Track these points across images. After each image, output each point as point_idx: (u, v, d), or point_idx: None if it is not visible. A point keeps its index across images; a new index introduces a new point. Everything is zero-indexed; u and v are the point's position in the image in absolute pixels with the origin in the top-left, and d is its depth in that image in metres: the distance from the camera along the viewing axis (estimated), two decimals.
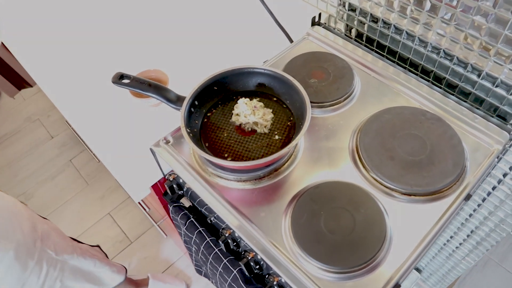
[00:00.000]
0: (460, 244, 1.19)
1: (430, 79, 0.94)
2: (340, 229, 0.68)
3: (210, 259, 0.83)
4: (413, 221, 0.71)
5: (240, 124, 0.83)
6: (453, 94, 0.90)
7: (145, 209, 1.39)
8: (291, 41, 1.08)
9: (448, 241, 1.22)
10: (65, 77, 1.11)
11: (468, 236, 1.14)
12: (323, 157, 0.80)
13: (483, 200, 1.01)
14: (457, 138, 0.79)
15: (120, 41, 1.19)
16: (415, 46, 0.91)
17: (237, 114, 0.84)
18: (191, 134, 0.78)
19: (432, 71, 0.92)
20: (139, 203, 1.25)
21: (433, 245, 1.28)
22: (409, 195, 0.74)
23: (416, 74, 0.95)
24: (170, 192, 0.91)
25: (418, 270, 1.43)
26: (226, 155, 0.79)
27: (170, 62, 1.11)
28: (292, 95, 0.83)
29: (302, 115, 0.78)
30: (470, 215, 1.08)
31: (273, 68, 0.85)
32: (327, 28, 1.06)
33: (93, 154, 1.88)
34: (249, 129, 0.82)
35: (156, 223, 1.56)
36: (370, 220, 0.69)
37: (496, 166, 0.91)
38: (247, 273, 0.77)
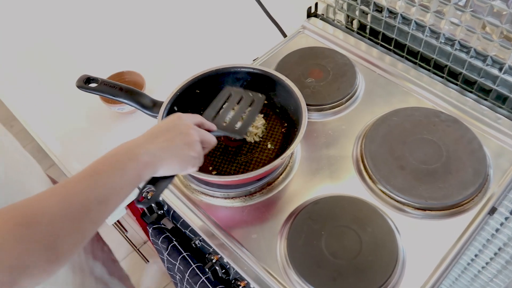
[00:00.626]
0: (487, 263, 1.18)
1: (444, 75, 0.93)
2: (344, 251, 0.67)
3: None
4: (430, 240, 0.70)
5: None
6: (471, 92, 0.90)
7: (122, 232, 1.37)
8: (284, 35, 1.08)
9: (472, 260, 1.20)
10: (25, 83, 1.10)
11: (495, 254, 1.13)
12: (323, 168, 0.79)
13: (511, 212, 1.00)
14: (477, 142, 0.78)
15: (89, 40, 1.18)
16: (426, 37, 0.90)
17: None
18: None
19: (446, 66, 0.91)
20: (115, 224, 1.23)
21: (455, 265, 1.26)
22: (424, 210, 0.73)
23: (428, 70, 0.95)
24: (148, 212, 0.89)
25: None
26: (210, 168, 0.78)
27: (147, 63, 1.10)
28: (286, 97, 0.82)
29: (297, 119, 0.77)
30: (497, 230, 1.07)
31: (263, 67, 0.84)
32: (325, 20, 1.05)
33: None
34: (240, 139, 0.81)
35: (136, 247, 1.54)
36: (379, 241, 0.68)
37: None
38: None
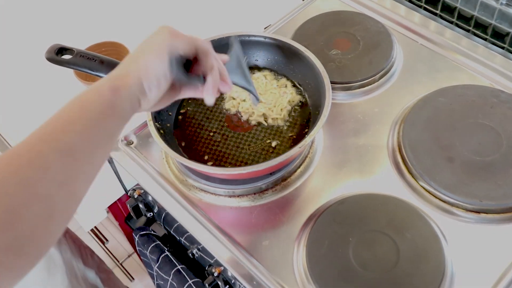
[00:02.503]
0: None
1: (505, 45, 0.93)
2: (377, 262, 0.67)
3: None
4: (485, 250, 0.70)
5: (235, 114, 0.83)
6: None
7: (102, 242, 1.39)
8: None
9: None
10: None
11: None
12: (350, 160, 0.79)
13: None
14: None
15: (61, 3, 1.19)
16: None
17: (233, 98, 0.84)
18: (162, 131, 0.77)
19: (508, 33, 0.91)
20: (92, 232, 1.24)
21: None
22: (478, 212, 0.72)
23: (485, 39, 0.94)
24: (135, 215, 0.90)
25: None
26: (209, 158, 0.79)
27: (132, 32, 1.11)
28: (305, 73, 0.83)
29: (319, 100, 0.77)
30: None
31: (277, 35, 0.84)
32: None
33: None
34: (250, 122, 0.82)
35: (118, 262, 1.55)
36: (420, 250, 0.68)
37: None
38: None
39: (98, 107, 0.48)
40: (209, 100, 0.61)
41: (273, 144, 0.79)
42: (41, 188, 0.41)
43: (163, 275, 0.88)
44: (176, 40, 0.55)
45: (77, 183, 0.45)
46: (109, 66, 0.80)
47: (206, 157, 0.79)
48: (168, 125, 0.82)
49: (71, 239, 0.94)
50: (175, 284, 0.86)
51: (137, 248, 0.95)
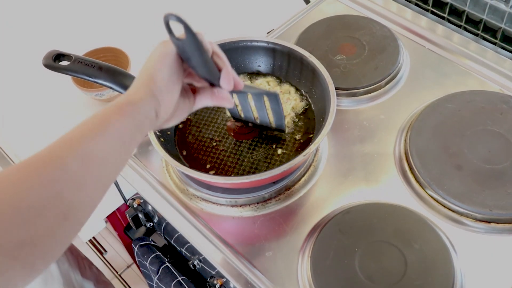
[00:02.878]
0: None
1: None
2: (384, 274, 0.67)
3: None
4: (496, 261, 0.70)
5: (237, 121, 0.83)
6: None
7: (101, 253, 1.39)
8: (307, 1, 1.08)
9: None
10: None
11: None
12: (356, 168, 0.80)
13: None
14: None
15: (60, 8, 1.20)
16: (492, 1, 0.90)
17: (236, 105, 0.84)
18: (162, 139, 0.78)
19: None
20: (89, 242, 1.25)
21: None
22: (488, 222, 0.73)
23: (494, 44, 0.95)
24: (134, 225, 0.91)
25: None
26: (208, 166, 0.79)
27: (131, 37, 1.12)
28: (309, 79, 0.83)
29: (323, 107, 0.78)
30: None
31: (281, 40, 0.85)
32: None
33: None
34: (252, 129, 0.83)
35: (117, 273, 1.55)
36: (429, 261, 0.68)
37: None
38: None
39: (117, 119, 0.51)
40: (228, 98, 0.63)
41: (277, 152, 0.80)
42: (60, 189, 0.44)
43: (163, 286, 0.88)
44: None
45: (93, 188, 0.48)
46: (108, 72, 0.81)
47: (208, 166, 0.79)
48: (169, 133, 0.82)
49: (68, 250, 0.95)
50: None
51: (136, 259, 0.95)
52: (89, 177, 0.47)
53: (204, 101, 0.64)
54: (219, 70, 0.60)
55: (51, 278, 0.83)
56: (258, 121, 0.79)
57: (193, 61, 0.57)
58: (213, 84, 0.62)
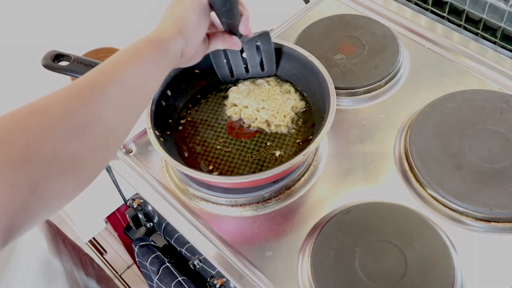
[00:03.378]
0: None
1: None
2: (385, 273, 0.67)
3: None
4: (496, 260, 0.70)
5: (237, 121, 0.84)
6: None
7: (101, 253, 1.39)
8: (306, 1, 1.08)
9: None
10: None
11: None
12: (356, 168, 0.80)
13: None
14: None
15: (58, 8, 1.21)
16: (491, 0, 0.90)
17: (235, 105, 0.84)
18: (162, 139, 0.78)
19: None
20: (89, 243, 1.25)
21: None
22: (488, 221, 0.73)
23: (494, 43, 0.95)
24: (134, 225, 0.91)
25: None
26: (211, 167, 0.79)
27: (130, 37, 1.12)
28: (309, 78, 0.83)
29: (323, 106, 0.78)
30: None
31: (280, 40, 0.85)
32: None
33: None
34: (250, 129, 0.83)
35: (117, 273, 1.56)
36: (429, 260, 0.68)
37: None
38: None
39: (148, 49, 0.57)
40: (237, 42, 0.73)
41: (277, 152, 0.80)
42: (101, 110, 0.49)
43: (163, 286, 0.88)
44: None
45: (129, 113, 0.53)
46: None
47: (208, 166, 0.79)
48: (168, 133, 0.83)
49: (71, 247, 0.95)
50: None
51: (136, 259, 0.95)
52: (126, 104, 0.52)
53: (217, 44, 0.72)
54: (241, 15, 0.70)
55: (55, 275, 0.83)
56: (249, 74, 0.86)
57: (223, 6, 0.65)
58: (230, 30, 0.72)
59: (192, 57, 0.67)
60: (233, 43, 0.73)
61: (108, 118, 0.49)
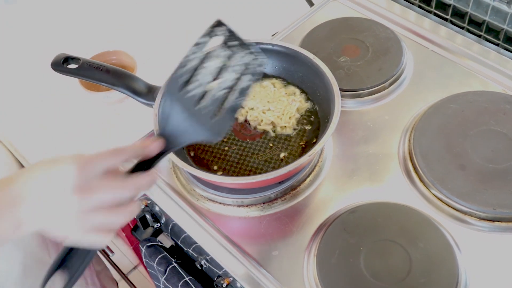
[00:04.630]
0: None
1: None
2: (389, 272, 0.68)
3: None
4: (500, 260, 0.70)
5: (243, 123, 0.85)
6: None
7: (107, 254, 1.39)
8: (311, 4, 1.09)
9: None
10: None
11: None
12: (361, 168, 0.80)
13: None
14: None
15: (67, 13, 1.21)
16: (494, 2, 0.91)
17: (242, 107, 0.84)
18: None
19: None
20: None
21: None
22: (492, 220, 0.73)
23: (497, 45, 0.95)
24: (142, 226, 0.91)
25: None
26: (215, 167, 0.80)
27: (138, 40, 1.13)
28: (314, 80, 0.84)
29: (328, 108, 0.78)
30: None
31: (285, 42, 0.86)
32: None
33: None
34: (258, 130, 0.83)
35: (124, 274, 1.56)
36: (433, 259, 0.68)
37: None
38: None
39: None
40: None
41: (282, 153, 0.80)
42: None
43: (170, 287, 0.88)
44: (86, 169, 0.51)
45: None
46: (115, 74, 0.82)
47: (215, 167, 0.80)
48: None
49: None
50: None
51: (143, 259, 0.96)
52: None
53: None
54: None
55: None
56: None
57: None
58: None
59: None
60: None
61: None
